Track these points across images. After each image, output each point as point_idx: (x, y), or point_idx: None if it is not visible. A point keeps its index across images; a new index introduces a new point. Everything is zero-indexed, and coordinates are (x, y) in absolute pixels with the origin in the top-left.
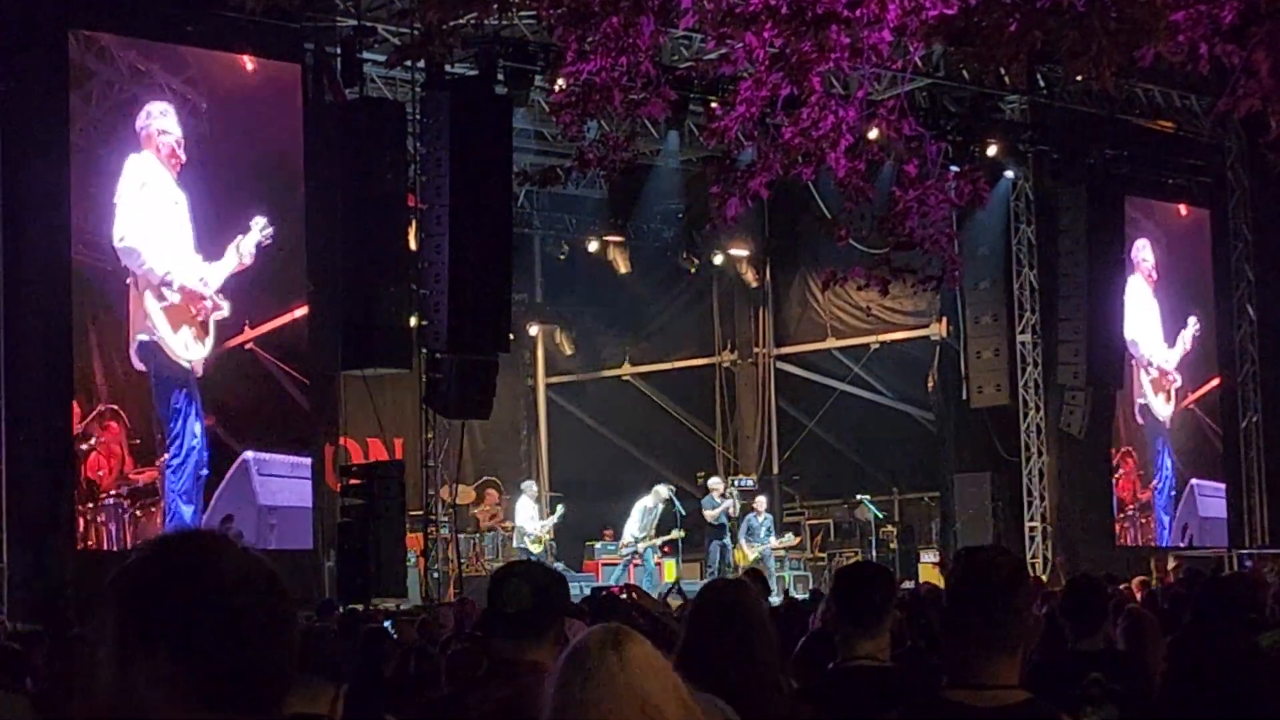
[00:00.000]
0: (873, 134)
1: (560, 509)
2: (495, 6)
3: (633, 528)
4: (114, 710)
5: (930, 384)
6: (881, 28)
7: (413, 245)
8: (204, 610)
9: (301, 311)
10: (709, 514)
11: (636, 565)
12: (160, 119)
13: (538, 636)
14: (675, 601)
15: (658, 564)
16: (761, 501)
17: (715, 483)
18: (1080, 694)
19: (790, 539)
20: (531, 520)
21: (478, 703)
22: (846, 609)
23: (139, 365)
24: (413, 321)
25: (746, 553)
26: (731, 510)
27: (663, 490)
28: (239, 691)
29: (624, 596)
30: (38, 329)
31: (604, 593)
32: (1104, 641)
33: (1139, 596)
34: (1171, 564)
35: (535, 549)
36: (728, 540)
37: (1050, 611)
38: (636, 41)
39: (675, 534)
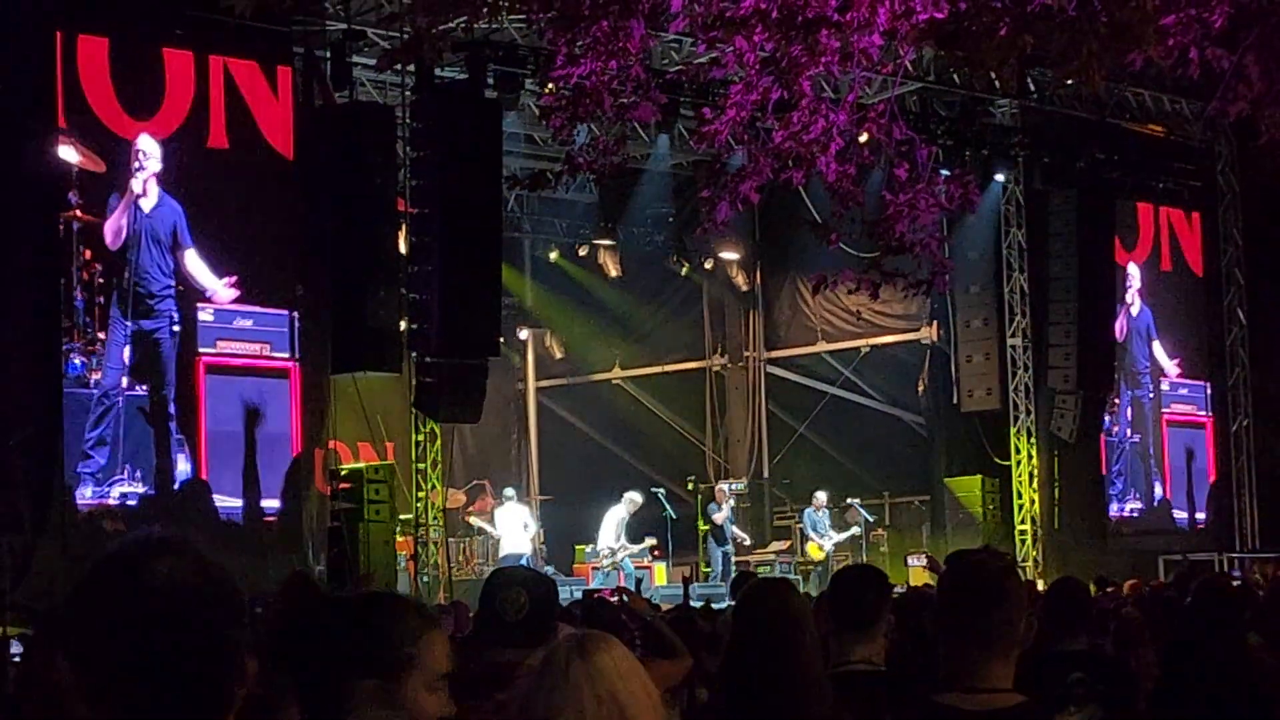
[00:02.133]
0: (863, 138)
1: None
2: (485, 10)
3: (608, 538)
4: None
5: (920, 388)
6: (872, 31)
7: (403, 249)
8: (93, 625)
9: None
10: (716, 518)
11: (610, 572)
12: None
13: (535, 644)
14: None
15: (647, 567)
16: (821, 497)
17: (720, 489)
18: (1063, 694)
19: (857, 531)
20: (526, 526)
21: (473, 708)
22: (840, 612)
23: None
24: (403, 325)
25: (820, 546)
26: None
27: (636, 497)
28: (124, 703)
29: (615, 600)
30: (24, 328)
31: (595, 596)
32: (1086, 642)
33: (1130, 599)
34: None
35: (523, 552)
36: (730, 547)
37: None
38: (626, 45)
39: (649, 542)
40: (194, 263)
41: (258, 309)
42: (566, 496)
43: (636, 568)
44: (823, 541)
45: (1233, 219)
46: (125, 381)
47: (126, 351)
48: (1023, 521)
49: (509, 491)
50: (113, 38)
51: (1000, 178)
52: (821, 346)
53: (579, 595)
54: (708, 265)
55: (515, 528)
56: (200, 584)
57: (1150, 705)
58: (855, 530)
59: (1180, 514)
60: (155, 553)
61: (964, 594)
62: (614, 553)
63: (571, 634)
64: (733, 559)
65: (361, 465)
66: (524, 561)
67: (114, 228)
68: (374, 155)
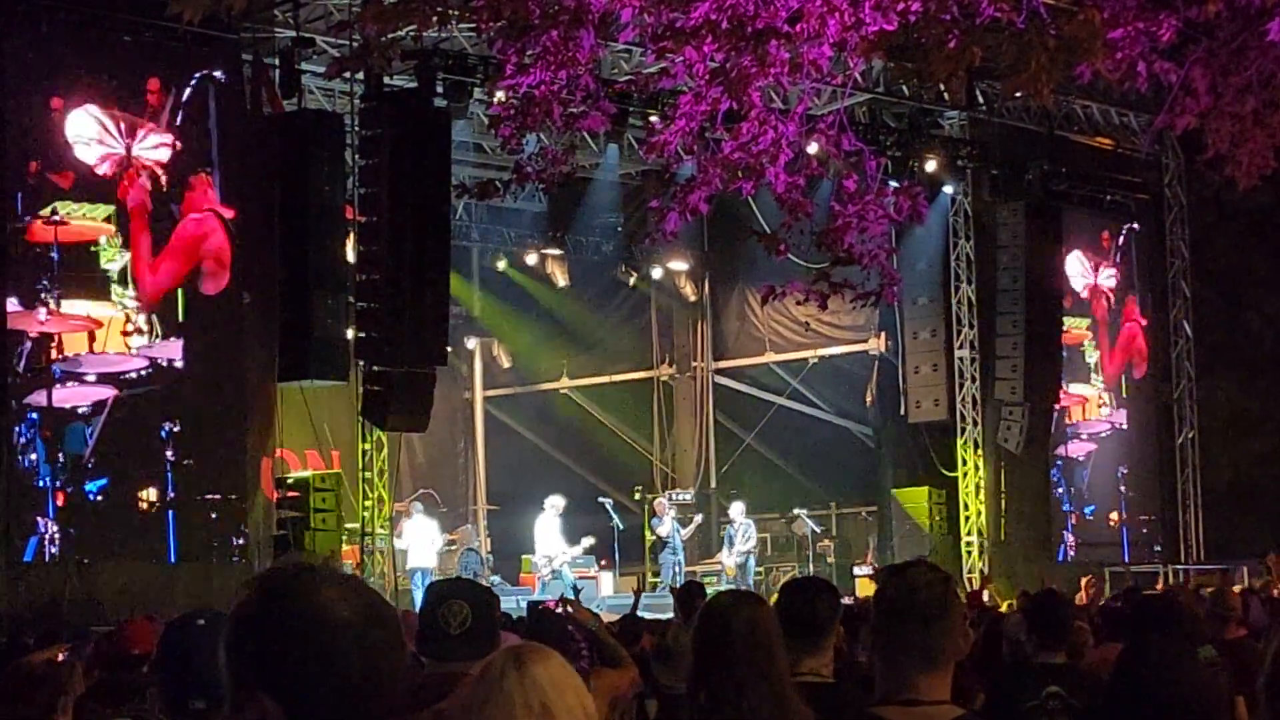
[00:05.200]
0: (812, 148)
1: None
2: (434, 19)
3: (545, 548)
4: None
5: (868, 399)
6: (821, 43)
7: (350, 257)
8: (295, 655)
9: None
10: (660, 531)
11: (551, 581)
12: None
13: (478, 655)
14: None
15: (593, 578)
16: (731, 511)
17: (660, 503)
18: (1035, 706)
19: (752, 545)
20: (433, 541)
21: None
22: (789, 624)
23: None
24: (350, 333)
25: (728, 563)
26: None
27: (557, 500)
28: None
29: (559, 610)
30: None
31: (540, 606)
32: (1066, 656)
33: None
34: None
35: (428, 565)
36: (681, 556)
37: (998, 626)
38: (576, 55)
39: (586, 541)
40: None
41: None
42: (513, 506)
43: (581, 578)
44: (729, 560)
45: (1179, 231)
46: None
47: None
48: (969, 532)
49: (418, 505)
50: (57, 43)
51: (948, 189)
52: (769, 357)
53: (525, 606)
54: (656, 275)
55: (422, 541)
56: (361, 609)
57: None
58: (751, 544)
59: None
60: (316, 582)
61: (899, 608)
62: (551, 560)
63: (511, 646)
64: (683, 568)
65: (309, 474)
66: (430, 576)
67: None
68: (322, 163)
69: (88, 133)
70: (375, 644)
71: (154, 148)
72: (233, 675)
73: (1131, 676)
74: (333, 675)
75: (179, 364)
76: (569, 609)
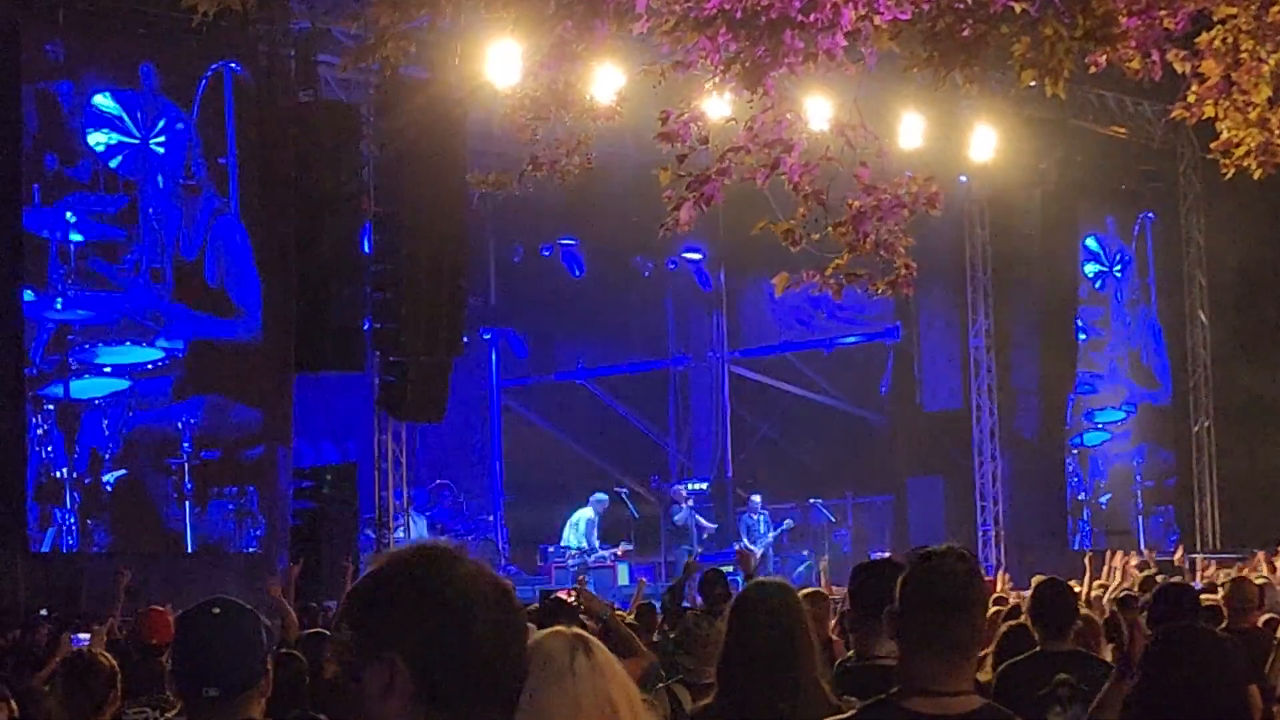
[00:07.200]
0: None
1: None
2: (448, 9)
3: (578, 539)
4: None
5: (883, 388)
6: (835, 32)
7: (366, 248)
8: (431, 623)
9: None
10: (678, 519)
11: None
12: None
13: None
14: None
15: (610, 567)
16: (755, 500)
17: (678, 490)
18: (1048, 694)
19: (789, 523)
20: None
21: None
22: (864, 607)
23: None
24: (366, 324)
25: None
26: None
27: (604, 498)
28: (461, 700)
29: (572, 600)
30: None
31: (553, 597)
32: (1072, 643)
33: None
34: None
35: None
36: (697, 547)
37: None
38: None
39: (623, 547)
40: None
41: None
42: (529, 496)
43: (600, 567)
44: (755, 548)
45: (1194, 220)
46: None
47: None
48: (984, 522)
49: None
50: (74, 35)
51: (964, 178)
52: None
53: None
54: (671, 265)
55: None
56: (493, 590)
57: (1138, 695)
58: (787, 523)
59: None
60: (456, 557)
61: (925, 597)
62: (585, 554)
63: (562, 630)
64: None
65: (324, 464)
66: None
67: None
68: (338, 153)
69: (104, 125)
70: (506, 624)
71: (170, 139)
72: (364, 634)
73: (1164, 661)
74: (465, 645)
75: (195, 355)
76: (581, 600)
